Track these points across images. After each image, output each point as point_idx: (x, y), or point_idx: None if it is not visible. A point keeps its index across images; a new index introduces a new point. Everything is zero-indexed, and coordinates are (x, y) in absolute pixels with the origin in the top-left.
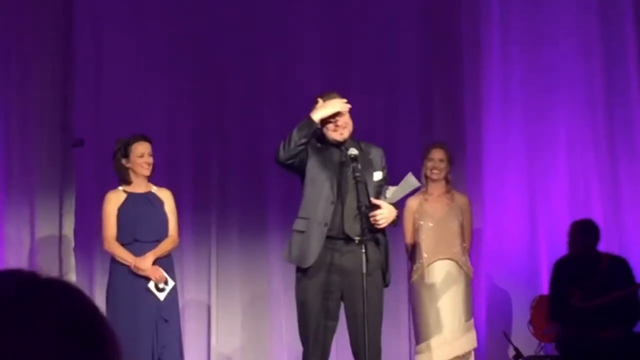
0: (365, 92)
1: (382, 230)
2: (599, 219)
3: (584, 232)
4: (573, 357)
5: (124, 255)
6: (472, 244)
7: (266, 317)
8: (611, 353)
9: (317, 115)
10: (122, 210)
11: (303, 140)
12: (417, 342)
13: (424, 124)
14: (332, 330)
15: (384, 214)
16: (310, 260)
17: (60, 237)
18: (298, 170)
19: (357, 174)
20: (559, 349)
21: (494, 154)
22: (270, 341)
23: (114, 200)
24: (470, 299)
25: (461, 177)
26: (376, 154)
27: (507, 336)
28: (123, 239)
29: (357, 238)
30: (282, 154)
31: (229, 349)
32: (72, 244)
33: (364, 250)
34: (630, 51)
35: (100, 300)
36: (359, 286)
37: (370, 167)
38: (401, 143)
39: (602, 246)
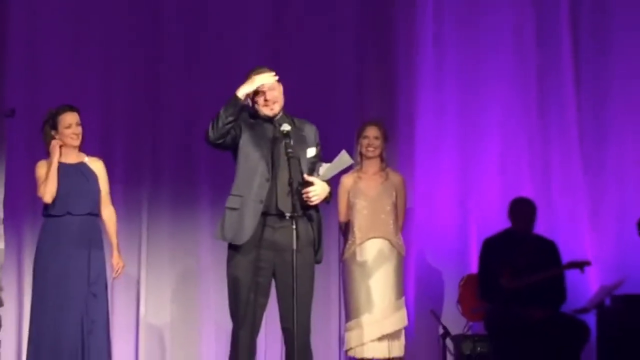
0: (299, 69)
1: (315, 207)
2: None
3: (518, 212)
4: (500, 335)
5: (48, 173)
6: (404, 222)
7: (195, 292)
8: (538, 331)
9: (242, 91)
10: None
11: (230, 119)
12: (348, 319)
13: (356, 102)
14: (263, 306)
15: (317, 191)
16: (245, 237)
17: None
18: (230, 148)
19: (290, 150)
20: (487, 327)
21: (427, 133)
22: (200, 316)
23: (45, 168)
24: (401, 278)
25: (393, 155)
26: (310, 131)
27: (435, 315)
28: (55, 211)
29: (288, 214)
30: (211, 135)
31: (158, 324)
32: (1, 215)
33: (294, 227)
34: (562, 24)
35: (28, 272)
36: (290, 262)
37: (303, 144)
38: (334, 121)
39: None
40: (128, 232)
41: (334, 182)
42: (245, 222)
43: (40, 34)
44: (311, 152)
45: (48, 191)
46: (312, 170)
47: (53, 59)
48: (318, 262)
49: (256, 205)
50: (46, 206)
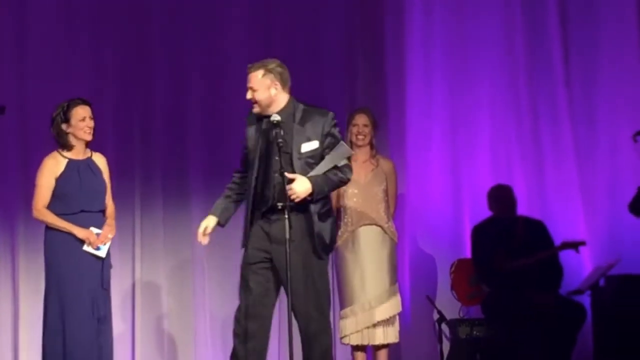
0: (288, 59)
1: (320, 200)
2: (520, 183)
3: (501, 198)
4: (498, 318)
5: (56, 221)
6: (396, 208)
7: (189, 283)
8: (535, 314)
9: None
10: (63, 179)
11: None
12: (342, 307)
13: (346, 90)
14: (272, 301)
15: (295, 189)
16: (246, 240)
17: None
18: None
19: (280, 140)
20: (486, 311)
21: (417, 119)
22: (194, 307)
23: (52, 166)
24: (395, 264)
25: (384, 142)
26: (317, 122)
27: (430, 300)
28: (70, 209)
29: (280, 204)
30: None
31: (153, 315)
32: None
33: (287, 217)
34: (551, 16)
35: (23, 267)
36: (283, 254)
37: (301, 136)
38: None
39: (524, 210)
40: (122, 226)
41: None
42: (245, 225)
43: (29, 31)
44: (309, 146)
45: (38, 217)
46: (308, 165)
47: (41, 56)
48: (321, 258)
49: (249, 206)
50: (56, 205)
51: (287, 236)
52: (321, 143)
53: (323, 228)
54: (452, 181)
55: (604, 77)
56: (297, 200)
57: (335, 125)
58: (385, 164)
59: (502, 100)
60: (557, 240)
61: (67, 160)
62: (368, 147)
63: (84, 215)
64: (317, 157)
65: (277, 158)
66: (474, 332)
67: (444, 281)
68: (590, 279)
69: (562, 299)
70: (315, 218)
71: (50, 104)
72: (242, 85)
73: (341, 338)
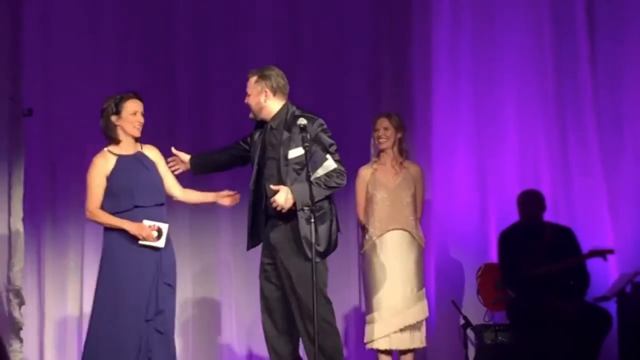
0: (314, 65)
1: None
2: (547, 188)
3: (529, 203)
4: (523, 324)
5: (108, 220)
6: (423, 213)
7: (216, 285)
8: (561, 321)
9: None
10: (115, 177)
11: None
12: (368, 312)
13: (373, 96)
14: (287, 305)
15: (277, 200)
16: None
17: (10, 208)
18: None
19: (307, 144)
20: (510, 316)
21: (443, 124)
22: (220, 309)
23: (102, 166)
24: (422, 269)
25: (410, 146)
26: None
27: (456, 305)
28: (123, 207)
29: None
30: None
31: (180, 320)
32: (21, 215)
33: (313, 220)
34: (579, 19)
35: (49, 270)
36: (280, 260)
37: (290, 142)
38: (351, 116)
39: (551, 216)
40: None
41: (351, 176)
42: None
43: (55, 35)
44: (295, 152)
45: (91, 219)
46: (296, 171)
47: (68, 59)
48: (309, 260)
49: (249, 208)
50: (109, 203)
51: (313, 240)
52: (305, 150)
53: (311, 232)
54: (478, 185)
55: (631, 83)
56: (282, 210)
57: (324, 131)
58: (413, 169)
59: (529, 105)
60: (584, 247)
61: (116, 157)
62: (394, 151)
63: (138, 211)
64: (303, 163)
65: (267, 164)
66: (499, 338)
67: (470, 286)
68: (616, 285)
69: (587, 305)
70: (302, 222)
71: (75, 107)
72: None
73: (368, 343)
